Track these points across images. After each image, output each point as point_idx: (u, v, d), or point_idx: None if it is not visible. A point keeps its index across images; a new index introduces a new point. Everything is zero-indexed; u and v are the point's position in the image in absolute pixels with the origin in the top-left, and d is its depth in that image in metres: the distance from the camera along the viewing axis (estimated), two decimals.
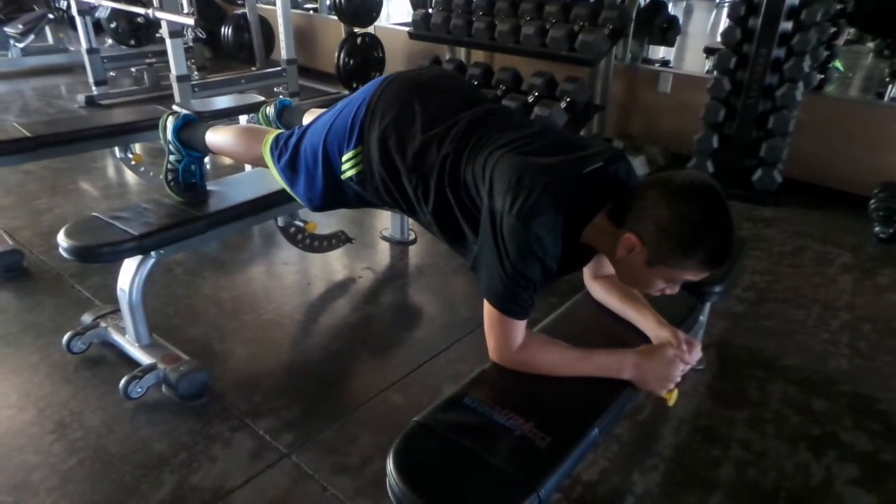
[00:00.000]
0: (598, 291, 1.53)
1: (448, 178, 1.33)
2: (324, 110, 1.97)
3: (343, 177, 1.53)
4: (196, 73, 5.49)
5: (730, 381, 2.08)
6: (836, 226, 3.26)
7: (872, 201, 3.20)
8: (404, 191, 1.43)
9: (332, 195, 1.61)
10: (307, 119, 2.01)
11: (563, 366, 1.26)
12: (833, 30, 4.17)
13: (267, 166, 1.72)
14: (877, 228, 3.09)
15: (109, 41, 5.76)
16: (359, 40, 5.12)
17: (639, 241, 1.14)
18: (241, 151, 1.85)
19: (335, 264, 2.81)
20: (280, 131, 1.75)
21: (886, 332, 2.36)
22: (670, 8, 5.43)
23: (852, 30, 5.20)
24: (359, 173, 1.50)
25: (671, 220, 1.10)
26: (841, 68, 5.01)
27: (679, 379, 1.28)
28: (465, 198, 1.31)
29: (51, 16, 6.11)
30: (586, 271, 1.53)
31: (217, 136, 1.89)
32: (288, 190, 1.71)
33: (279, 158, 1.66)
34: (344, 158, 1.51)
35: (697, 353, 1.31)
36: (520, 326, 1.23)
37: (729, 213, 1.12)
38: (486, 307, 1.23)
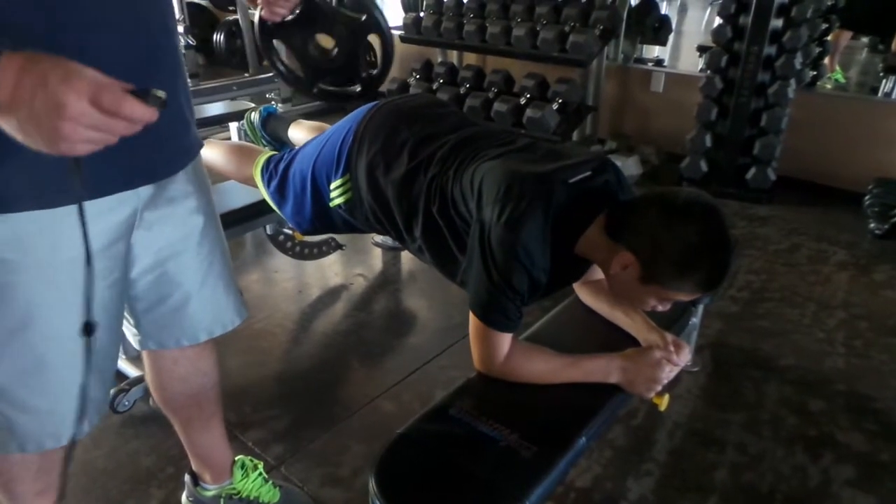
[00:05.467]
0: (588, 296, 1.52)
1: (436, 199, 1.31)
2: (311, 125, 1.97)
3: (331, 205, 1.52)
4: (188, 79, 5.48)
5: (725, 383, 2.06)
6: (830, 223, 3.24)
7: (867, 197, 3.19)
8: (393, 218, 1.42)
9: (320, 221, 1.60)
10: (293, 130, 2.00)
11: (550, 374, 1.25)
12: (824, 26, 4.16)
13: (257, 187, 1.72)
14: (872, 225, 3.07)
15: None
16: None
17: (634, 259, 1.12)
18: (232, 170, 1.85)
19: (327, 271, 2.79)
20: (272, 154, 1.74)
21: (882, 329, 2.34)
22: (664, 7, 5.43)
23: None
24: (347, 201, 1.49)
25: (669, 242, 1.08)
26: (842, 80, 4.90)
27: (666, 381, 1.26)
28: (455, 216, 1.29)
29: None
30: None
31: (210, 152, 1.88)
32: (278, 212, 1.70)
33: (269, 182, 1.66)
34: (332, 186, 1.50)
35: (685, 355, 1.29)
36: (505, 338, 1.22)
37: (728, 237, 1.10)
38: (472, 318, 1.22)
